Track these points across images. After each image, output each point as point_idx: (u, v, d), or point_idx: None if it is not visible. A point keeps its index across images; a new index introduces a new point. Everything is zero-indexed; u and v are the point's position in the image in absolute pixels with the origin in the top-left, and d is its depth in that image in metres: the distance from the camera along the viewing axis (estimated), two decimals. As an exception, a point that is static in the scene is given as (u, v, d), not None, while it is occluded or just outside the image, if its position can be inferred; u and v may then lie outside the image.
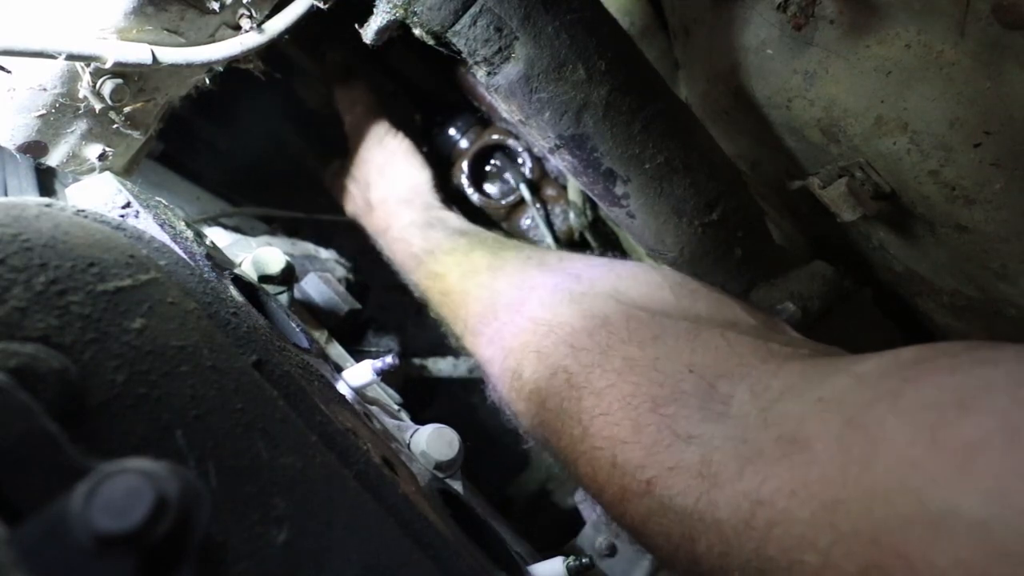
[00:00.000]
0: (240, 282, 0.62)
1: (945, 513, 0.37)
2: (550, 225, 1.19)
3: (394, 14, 0.62)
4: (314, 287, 0.89)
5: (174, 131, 0.86)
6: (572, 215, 1.17)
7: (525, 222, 1.21)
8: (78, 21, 0.59)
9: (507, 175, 1.22)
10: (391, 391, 0.83)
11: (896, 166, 0.70)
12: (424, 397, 1.19)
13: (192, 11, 0.62)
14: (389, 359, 0.67)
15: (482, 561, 0.57)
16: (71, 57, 0.58)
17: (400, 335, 1.14)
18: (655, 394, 0.59)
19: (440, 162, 1.18)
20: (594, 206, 1.17)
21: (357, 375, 0.67)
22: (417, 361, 1.16)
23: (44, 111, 0.63)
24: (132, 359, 0.38)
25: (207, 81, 0.72)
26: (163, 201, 0.62)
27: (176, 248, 0.53)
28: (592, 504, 0.97)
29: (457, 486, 0.67)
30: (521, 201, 1.20)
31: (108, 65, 0.59)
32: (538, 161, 1.20)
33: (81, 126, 0.66)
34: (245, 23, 0.64)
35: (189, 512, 0.27)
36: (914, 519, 0.38)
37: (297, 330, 0.66)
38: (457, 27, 0.61)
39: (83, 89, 0.62)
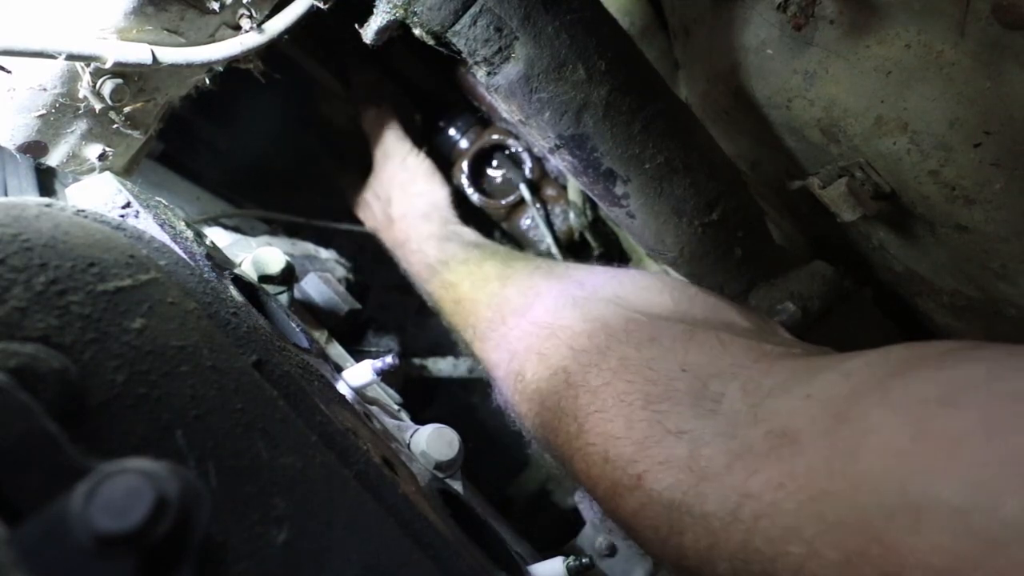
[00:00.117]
0: (240, 282, 0.62)
1: (926, 501, 0.38)
2: (550, 225, 1.19)
3: (394, 14, 0.62)
4: (314, 287, 0.89)
5: (174, 131, 0.86)
6: (572, 215, 1.17)
7: (525, 222, 1.21)
8: (78, 21, 0.59)
9: (507, 175, 1.22)
10: (391, 391, 0.83)
11: (896, 166, 0.70)
12: (424, 397, 1.19)
13: (192, 11, 0.62)
14: (389, 359, 0.67)
15: (482, 561, 0.57)
16: (71, 57, 0.58)
17: (400, 335, 1.14)
18: (648, 392, 0.61)
19: (440, 162, 1.18)
20: (594, 206, 1.17)
21: (357, 375, 0.67)
22: (417, 361, 1.16)
23: (44, 111, 0.63)
24: (132, 359, 0.38)
25: (207, 81, 0.72)
26: (163, 201, 0.62)
27: (176, 248, 0.53)
28: (592, 504, 0.97)
29: (457, 486, 0.67)
30: (521, 201, 1.20)
31: (108, 65, 0.59)
32: (538, 161, 1.20)
33: (81, 126, 0.66)
34: (245, 23, 0.64)
35: (189, 512, 0.27)
36: (897, 508, 0.39)
37: (297, 330, 0.66)
38: (457, 27, 0.61)
39: (83, 89, 0.62)
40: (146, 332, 0.39)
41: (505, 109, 0.68)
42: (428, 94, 1.25)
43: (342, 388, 0.66)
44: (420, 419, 0.76)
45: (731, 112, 0.82)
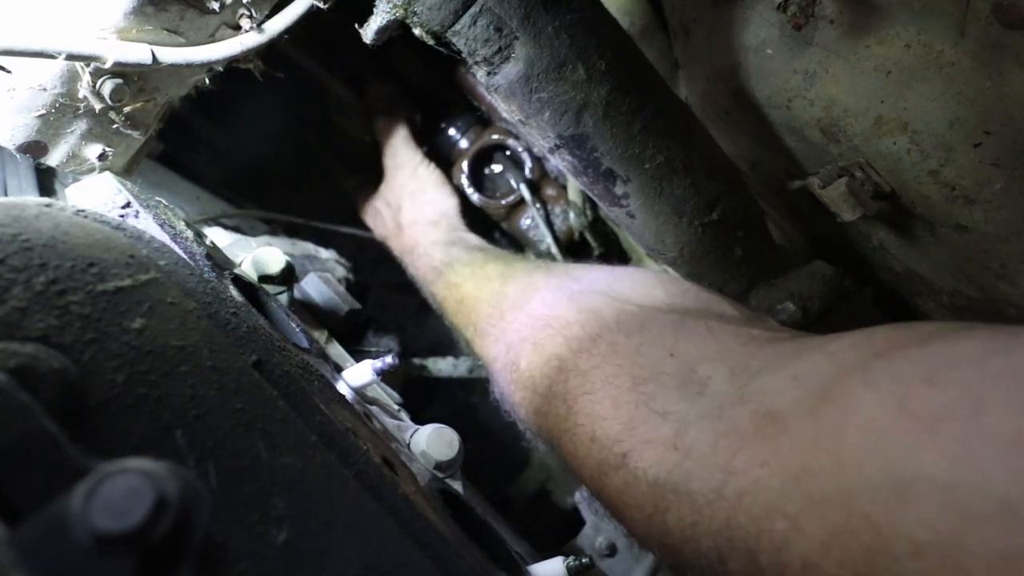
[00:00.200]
0: (240, 282, 0.62)
1: (912, 478, 0.38)
2: (550, 225, 1.19)
3: (394, 14, 0.62)
4: (314, 287, 0.89)
5: (174, 131, 0.86)
6: (572, 215, 1.17)
7: (525, 222, 1.21)
8: (78, 21, 0.59)
9: (507, 175, 1.22)
10: (391, 391, 0.83)
11: (896, 166, 0.70)
12: (424, 397, 1.19)
13: (192, 11, 0.62)
14: (389, 359, 0.67)
15: (482, 561, 0.57)
16: (71, 57, 0.58)
17: (400, 335, 1.14)
18: (636, 374, 0.62)
19: (440, 162, 1.18)
20: (594, 206, 1.17)
21: (357, 375, 0.67)
22: (417, 361, 1.16)
23: (44, 111, 0.63)
24: (132, 359, 0.38)
25: (207, 81, 0.72)
26: (163, 201, 0.62)
27: (176, 248, 0.53)
28: (592, 504, 0.97)
29: (457, 486, 0.67)
30: (521, 201, 1.20)
31: (108, 65, 0.59)
32: (538, 161, 1.20)
33: (81, 126, 0.66)
34: (245, 23, 0.64)
35: (189, 512, 0.27)
36: (882, 484, 0.39)
37: (297, 330, 0.66)
38: (457, 27, 0.61)
39: (83, 89, 0.62)
40: (146, 332, 0.39)
41: (505, 109, 0.68)
42: (428, 94, 1.25)
43: (342, 388, 0.66)
44: (420, 419, 0.76)
45: (731, 112, 0.82)
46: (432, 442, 0.67)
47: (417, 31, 0.63)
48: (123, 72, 0.62)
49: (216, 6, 0.62)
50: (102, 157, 0.68)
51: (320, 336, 0.81)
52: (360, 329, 1.07)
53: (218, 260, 0.61)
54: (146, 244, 0.49)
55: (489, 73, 0.64)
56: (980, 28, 0.60)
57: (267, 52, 0.68)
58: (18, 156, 0.66)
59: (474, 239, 1.06)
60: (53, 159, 0.67)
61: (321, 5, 0.64)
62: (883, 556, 0.38)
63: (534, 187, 1.20)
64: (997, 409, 0.37)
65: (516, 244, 1.24)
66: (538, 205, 1.19)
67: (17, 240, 0.38)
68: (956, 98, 0.63)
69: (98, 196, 0.58)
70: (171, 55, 0.62)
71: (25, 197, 0.56)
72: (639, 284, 0.77)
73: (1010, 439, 0.36)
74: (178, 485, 0.27)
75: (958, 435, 0.37)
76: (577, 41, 0.63)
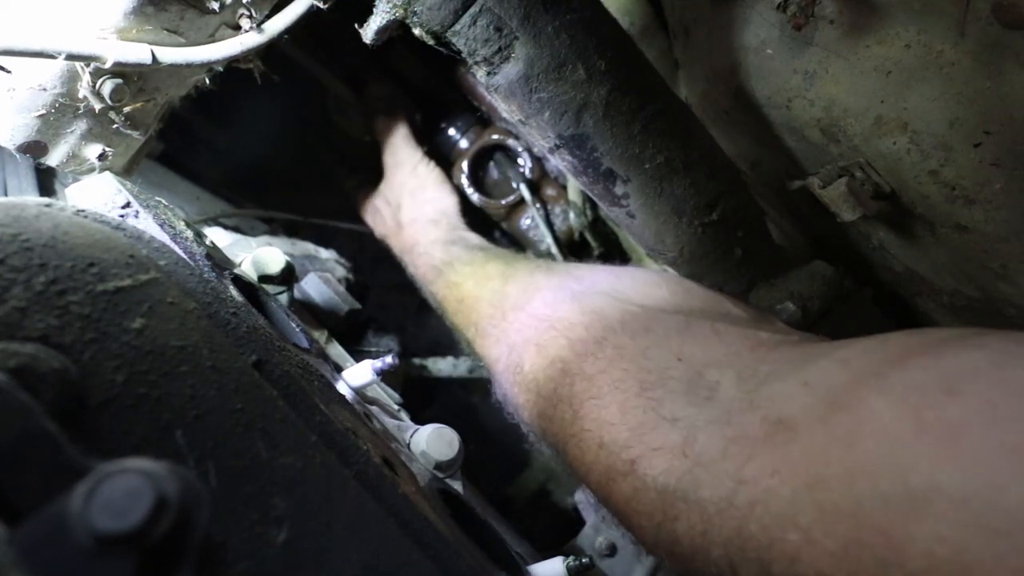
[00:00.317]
0: (240, 282, 0.62)
1: (926, 490, 0.37)
2: (550, 225, 1.19)
3: (394, 14, 0.62)
4: (314, 287, 0.89)
5: (174, 131, 0.86)
6: (572, 215, 1.17)
7: (525, 222, 1.21)
8: (78, 21, 0.59)
9: (507, 175, 1.22)
10: (391, 391, 0.83)
11: (896, 166, 0.70)
12: (424, 397, 1.19)
13: (192, 11, 0.62)
14: (389, 359, 0.67)
15: (482, 561, 0.57)
16: (71, 57, 0.58)
17: (400, 335, 1.14)
18: (643, 379, 0.61)
19: (440, 162, 1.18)
20: (594, 206, 1.17)
21: (357, 375, 0.67)
22: (417, 361, 1.16)
23: (44, 111, 0.63)
24: (132, 359, 0.38)
25: (207, 81, 0.72)
26: (163, 201, 0.62)
27: (176, 248, 0.53)
28: (592, 504, 0.97)
29: (457, 486, 0.67)
30: (521, 201, 1.20)
31: (108, 65, 0.59)
32: (538, 161, 1.20)
33: (81, 126, 0.66)
34: (245, 23, 0.64)
35: (189, 512, 0.27)
36: (896, 496, 0.38)
37: (297, 330, 0.66)
38: (457, 27, 0.61)
39: (83, 89, 0.62)
40: (146, 332, 0.39)
41: (505, 109, 0.68)
42: (428, 94, 1.25)
43: (342, 388, 0.66)
44: (420, 419, 0.76)
45: (731, 112, 0.82)
46: (432, 442, 0.67)
47: (417, 31, 0.63)
48: (123, 72, 0.62)
49: (216, 6, 0.62)
50: (102, 157, 0.68)
51: (320, 336, 0.81)
52: (360, 329, 1.06)
53: (218, 260, 0.61)
54: (146, 244, 0.49)
55: (489, 73, 0.64)
56: (980, 28, 0.60)
57: (267, 52, 0.68)
58: (18, 156, 0.66)
59: (474, 238, 1.06)
60: (53, 159, 0.67)
61: (321, 5, 0.64)
62: (897, 570, 0.37)
63: (534, 187, 1.20)
64: (1013, 422, 0.37)
65: (516, 244, 1.24)
66: (538, 205, 1.19)
67: (17, 240, 0.38)
68: (956, 98, 0.63)
69: (98, 196, 0.58)
70: (171, 55, 0.62)
71: (25, 197, 0.56)
72: (642, 284, 0.76)
73: None
74: (178, 485, 0.27)
75: (974, 447, 0.37)
76: (577, 41, 0.63)
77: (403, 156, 1.15)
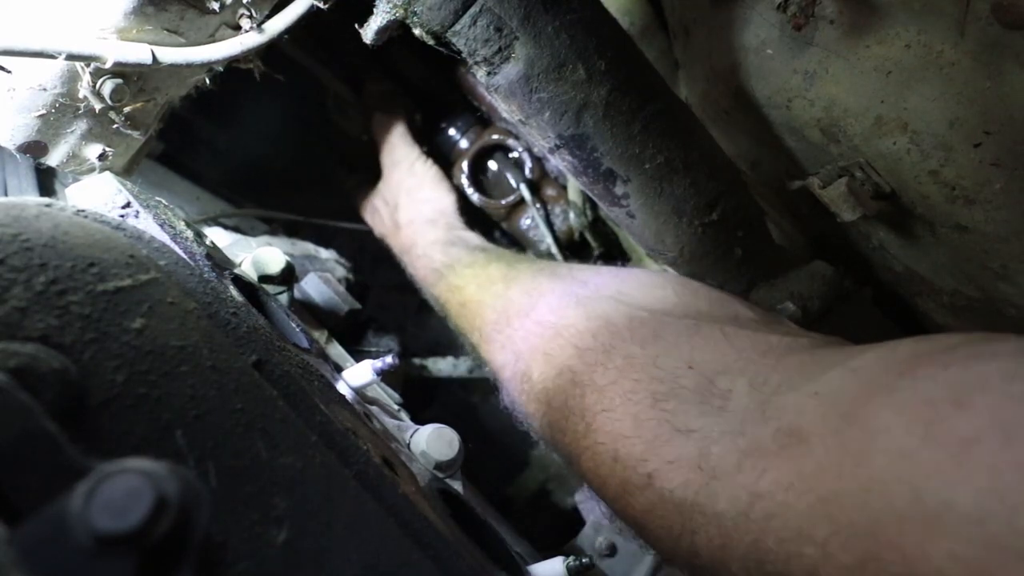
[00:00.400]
0: (240, 282, 0.62)
1: (940, 507, 0.37)
2: (550, 225, 1.19)
3: (394, 14, 0.62)
4: (314, 287, 0.89)
5: (174, 131, 0.86)
6: (572, 215, 1.17)
7: (525, 222, 1.21)
8: (78, 21, 0.59)
9: (507, 175, 1.22)
10: (391, 391, 0.83)
11: (896, 166, 0.70)
12: (424, 397, 1.19)
13: (192, 11, 0.62)
14: (389, 359, 0.67)
15: (482, 561, 0.57)
16: (71, 57, 0.58)
17: (400, 335, 1.14)
18: (655, 390, 0.60)
19: (440, 162, 1.18)
20: (594, 206, 1.17)
21: (357, 375, 0.67)
22: (417, 361, 1.16)
23: (44, 111, 0.63)
24: (132, 359, 0.38)
25: (207, 81, 0.72)
26: (163, 201, 0.62)
27: (176, 248, 0.53)
28: (592, 504, 0.97)
29: (457, 486, 0.67)
30: (521, 201, 1.20)
31: (108, 65, 0.59)
32: (538, 161, 1.20)
33: (81, 126, 0.66)
34: (245, 23, 0.64)
35: (189, 512, 0.27)
36: (909, 513, 0.38)
37: (297, 330, 0.66)
38: (457, 27, 0.61)
39: (83, 89, 0.62)
40: (146, 332, 0.39)
41: (505, 109, 0.68)
42: (428, 94, 1.25)
43: (342, 388, 0.66)
44: (420, 419, 0.76)
45: (731, 112, 0.82)
46: (432, 442, 0.67)
47: (417, 31, 0.63)
48: (123, 72, 0.62)
49: (216, 6, 0.62)
50: (102, 157, 0.68)
51: (320, 336, 0.81)
52: (360, 329, 1.07)
53: (218, 260, 0.61)
54: (146, 244, 0.49)
55: (489, 73, 0.64)
56: (980, 28, 0.60)
57: (267, 52, 0.68)
58: (18, 156, 0.66)
59: (474, 238, 1.05)
60: (53, 159, 0.67)
61: (321, 5, 0.64)
62: None
63: (534, 187, 1.20)
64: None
65: (516, 244, 1.24)
66: (538, 205, 1.19)
67: (17, 240, 0.38)
68: (956, 98, 0.63)
69: (98, 196, 0.58)
70: (171, 55, 0.62)
71: (25, 197, 0.56)
72: (648, 287, 0.75)
73: None
74: (178, 485, 0.27)
75: (987, 463, 0.37)
76: (577, 41, 0.63)
77: (400, 155, 1.15)
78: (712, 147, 0.75)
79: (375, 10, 0.63)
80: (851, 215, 0.73)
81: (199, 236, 0.62)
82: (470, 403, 1.24)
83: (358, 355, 0.79)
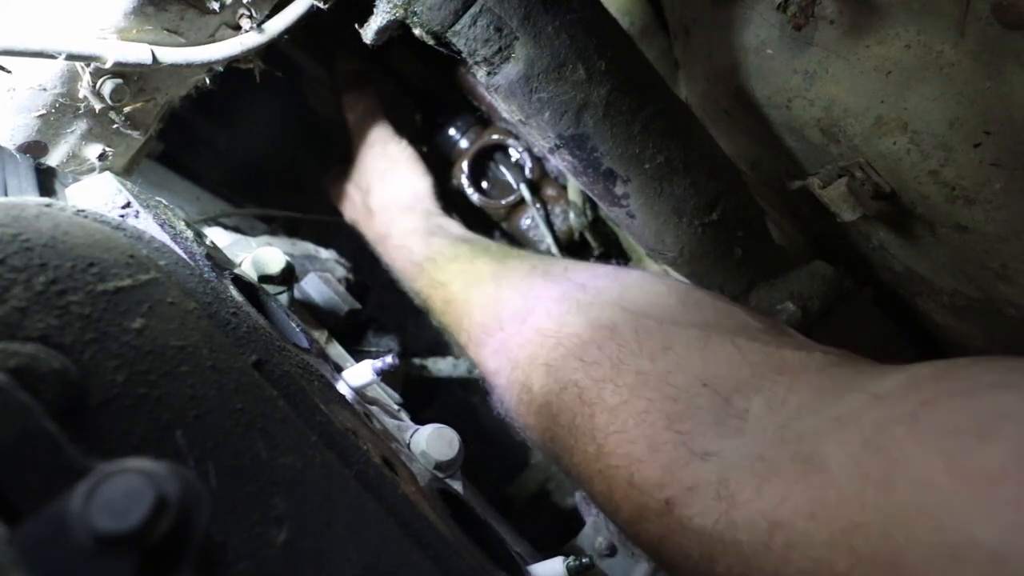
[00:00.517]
0: (240, 282, 0.62)
1: (963, 543, 0.37)
2: (550, 225, 1.19)
3: (394, 14, 0.62)
4: (314, 287, 0.89)
5: (174, 131, 0.86)
6: (572, 215, 1.17)
7: (525, 222, 1.21)
8: (78, 21, 0.59)
9: (507, 175, 1.22)
10: (391, 391, 0.83)
11: (896, 166, 0.70)
12: (424, 397, 1.19)
13: (192, 11, 0.62)
14: (389, 359, 0.67)
15: (482, 561, 0.57)
16: (71, 57, 0.58)
17: (400, 335, 1.14)
18: (669, 410, 0.59)
19: (440, 162, 1.18)
20: (594, 206, 1.17)
21: (357, 375, 0.67)
22: (417, 361, 1.16)
23: (44, 111, 0.63)
24: (132, 359, 0.38)
25: (207, 81, 0.72)
26: (163, 201, 0.62)
27: (176, 248, 0.53)
28: (592, 504, 0.97)
29: (457, 486, 0.67)
30: (521, 201, 1.20)
31: (108, 65, 0.59)
32: (538, 161, 1.20)
33: (81, 126, 0.66)
34: (245, 23, 0.64)
35: (189, 512, 0.27)
36: (933, 546, 0.38)
37: (297, 330, 0.66)
38: (457, 27, 0.61)
39: (83, 89, 0.62)
40: (146, 332, 0.39)
41: (505, 109, 0.68)
42: (428, 94, 1.25)
43: (342, 388, 0.66)
44: (420, 419, 0.76)
45: (731, 112, 0.82)
46: (432, 442, 0.67)
47: (417, 31, 0.63)
48: (123, 72, 0.62)
49: (216, 6, 0.62)
50: (102, 157, 0.68)
51: (320, 336, 0.81)
52: (360, 329, 1.06)
53: (218, 260, 0.61)
54: (146, 244, 0.49)
55: (489, 73, 0.64)
56: (980, 28, 0.60)
57: (267, 52, 0.68)
58: (18, 156, 0.66)
59: (455, 227, 1.00)
60: (53, 159, 0.67)
61: (321, 5, 0.64)
62: None
63: (534, 187, 1.20)
64: None
65: (516, 244, 1.24)
66: (538, 205, 1.19)
67: (17, 240, 0.38)
68: (956, 98, 0.63)
69: (98, 196, 0.58)
70: (171, 55, 0.62)
71: (25, 197, 0.56)
72: (651, 293, 0.72)
73: None
74: (178, 485, 0.27)
75: (1011, 499, 0.36)
76: (577, 41, 0.63)
77: (372, 136, 1.08)
78: (712, 147, 0.75)
79: (375, 10, 0.63)
80: (851, 215, 0.73)
81: (199, 236, 0.62)
82: (470, 403, 1.24)
83: (358, 355, 0.79)
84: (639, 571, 0.92)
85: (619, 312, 0.69)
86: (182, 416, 0.38)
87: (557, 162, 0.71)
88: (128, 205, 0.57)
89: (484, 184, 1.23)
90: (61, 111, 0.64)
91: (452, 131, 1.23)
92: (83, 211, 0.47)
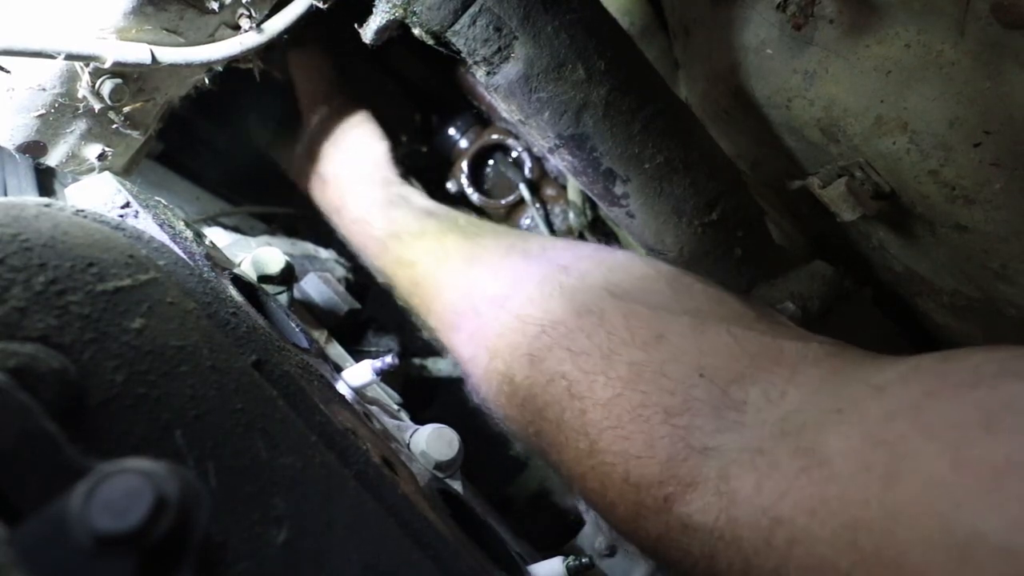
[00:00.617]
0: (240, 282, 0.62)
1: (969, 538, 0.36)
2: (550, 225, 1.19)
3: (393, 14, 0.62)
4: (314, 287, 0.89)
5: (174, 131, 0.86)
6: (572, 215, 1.17)
7: (525, 222, 1.21)
8: (78, 21, 0.59)
9: (507, 175, 1.22)
10: (391, 391, 0.83)
11: (896, 166, 0.70)
12: (424, 397, 1.19)
13: (191, 11, 0.62)
14: (389, 359, 0.67)
15: (482, 561, 0.57)
16: (70, 57, 0.58)
17: (400, 335, 1.14)
18: (666, 404, 0.57)
19: (440, 162, 1.18)
20: (594, 206, 1.17)
21: (357, 375, 0.67)
22: (417, 361, 1.16)
23: (43, 111, 0.63)
24: (132, 359, 0.38)
25: (207, 81, 0.72)
26: (163, 201, 0.62)
27: (176, 248, 0.53)
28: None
29: (457, 486, 0.67)
30: (521, 201, 1.20)
31: (107, 65, 0.59)
32: (538, 161, 1.20)
33: (80, 126, 0.66)
34: (244, 23, 0.64)
35: (189, 512, 0.27)
36: (937, 543, 0.37)
37: (297, 330, 0.66)
38: (456, 27, 0.61)
39: (82, 89, 0.62)
40: (145, 332, 0.39)
41: (505, 109, 0.68)
42: (428, 94, 1.25)
43: (342, 388, 0.66)
44: (420, 419, 0.76)
45: (731, 112, 0.82)
46: (432, 442, 0.67)
47: (417, 31, 0.63)
48: (123, 72, 0.62)
49: (216, 6, 0.62)
50: (102, 157, 0.68)
51: (320, 336, 0.81)
52: (360, 329, 1.06)
53: (218, 260, 0.61)
54: (146, 244, 0.49)
55: (489, 73, 0.64)
56: (980, 28, 0.60)
57: (267, 52, 0.68)
58: (18, 156, 0.66)
59: (418, 197, 0.91)
60: (53, 159, 0.67)
61: (321, 5, 0.64)
62: None
63: (534, 187, 1.20)
64: None
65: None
66: (538, 205, 1.19)
67: (17, 240, 0.38)
68: (956, 98, 0.63)
69: (97, 196, 0.58)
70: (171, 55, 0.62)
71: (25, 197, 0.56)
72: (639, 278, 0.69)
73: None
74: (178, 485, 0.27)
75: (1018, 493, 0.36)
76: (577, 41, 0.63)
77: (319, 95, 0.99)
78: (712, 147, 0.75)
79: (375, 10, 0.63)
80: (851, 215, 0.73)
81: (199, 236, 0.62)
82: (470, 403, 1.24)
83: (358, 355, 0.78)
84: (639, 571, 0.92)
85: (606, 297, 0.66)
86: (182, 416, 0.38)
87: (557, 162, 0.71)
88: (127, 205, 0.57)
89: (484, 184, 1.23)
90: (60, 111, 0.64)
91: (452, 131, 1.23)
92: (82, 211, 0.47)
